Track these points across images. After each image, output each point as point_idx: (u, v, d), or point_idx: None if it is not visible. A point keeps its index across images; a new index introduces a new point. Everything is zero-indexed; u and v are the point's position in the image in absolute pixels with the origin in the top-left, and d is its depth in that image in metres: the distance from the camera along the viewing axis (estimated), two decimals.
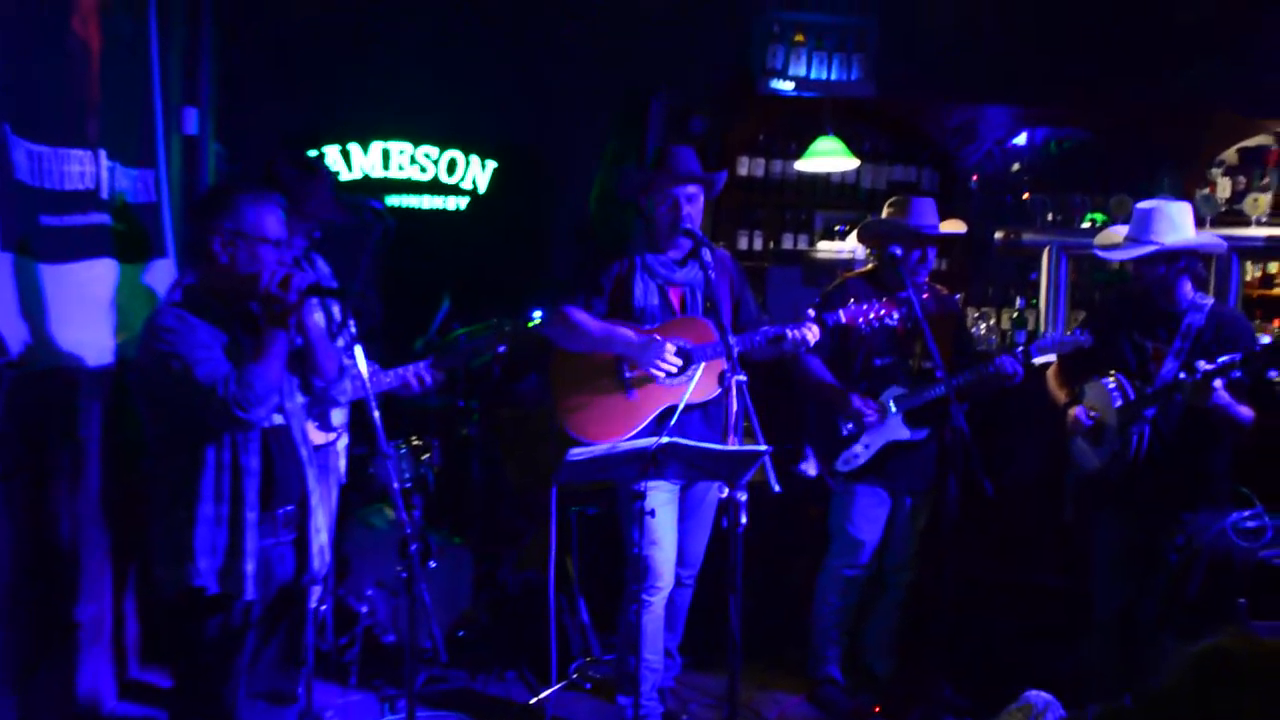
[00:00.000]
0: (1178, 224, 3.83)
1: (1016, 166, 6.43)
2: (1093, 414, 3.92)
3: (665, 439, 3.19)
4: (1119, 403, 3.79)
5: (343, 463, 4.29)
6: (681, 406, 3.59)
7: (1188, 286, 3.89)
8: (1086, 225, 5.79)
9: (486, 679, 4.54)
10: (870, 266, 4.52)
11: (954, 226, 4.34)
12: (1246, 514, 3.68)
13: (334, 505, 4.13)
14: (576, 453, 3.20)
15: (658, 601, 3.97)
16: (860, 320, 3.98)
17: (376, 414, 2.97)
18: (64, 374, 3.57)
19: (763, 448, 3.27)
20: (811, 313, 3.94)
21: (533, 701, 4.33)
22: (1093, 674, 3.97)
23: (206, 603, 2.85)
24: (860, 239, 4.53)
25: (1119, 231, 3.94)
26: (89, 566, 3.74)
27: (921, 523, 4.41)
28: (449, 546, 4.74)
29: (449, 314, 5.31)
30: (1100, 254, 3.94)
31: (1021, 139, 6.55)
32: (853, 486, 4.33)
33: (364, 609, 4.59)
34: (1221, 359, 3.55)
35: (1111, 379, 3.85)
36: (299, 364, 3.11)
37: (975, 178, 6.02)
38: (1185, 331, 3.82)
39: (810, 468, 4.46)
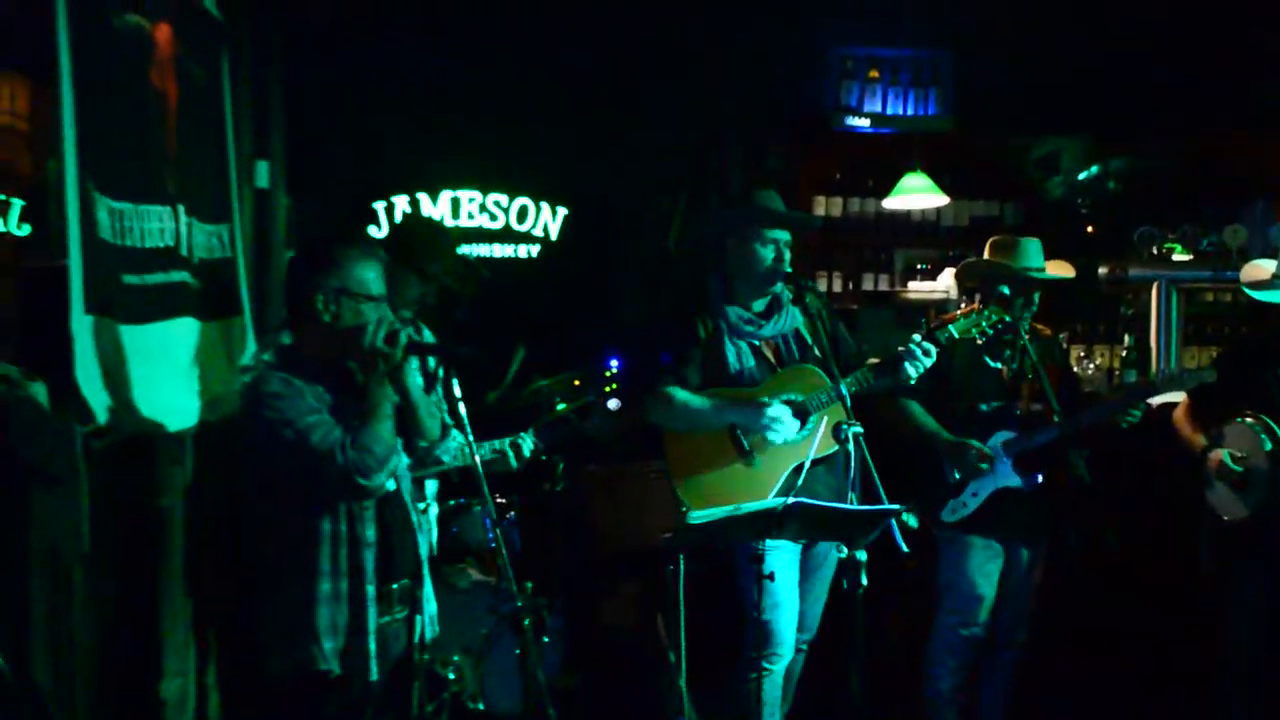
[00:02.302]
0: None
1: (1087, 199, 6.21)
2: (1239, 457, 3.67)
3: (790, 499, 2.98)
4: (1269, 446, 3.55)
5: (435, 532, 4.12)
6: (808, 465, 3.33)
7: None
8: (1186, 258, 5.56)
9: None
10: (973, 307, 4.30)
11: (1061, 269, 4.14)
12: None
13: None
14: (699, 515, 3.01)
15: (778, 670, 3.73)
16: (974, 329, 3.74)
17: (484, 480, 2.80)
18: (147, 440, 3.42)
19: (894, 506, 3.06)
20: (918, 336, 3.71)
21: None
22: None
23: (327, 685, 2.67)
24: (961, 279, 4.33)
25: (1266, 266, 3.72)
26: (173, 641, 3.57)
27: (1038, 578, 4.15)
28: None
29: (523, 364, 5.16)
30: (1256, 294, 3.68)
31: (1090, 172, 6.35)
32: (964, 537, 4.10)
33: (451, 675, 4.38)
34: None
35: (1254, 419, 3.61)
36: (401, 425, 2.95)
37: (1084, 210, 5.79)
38: None
39: (913, 519, 4.23)
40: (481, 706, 4.39)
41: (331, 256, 2.85)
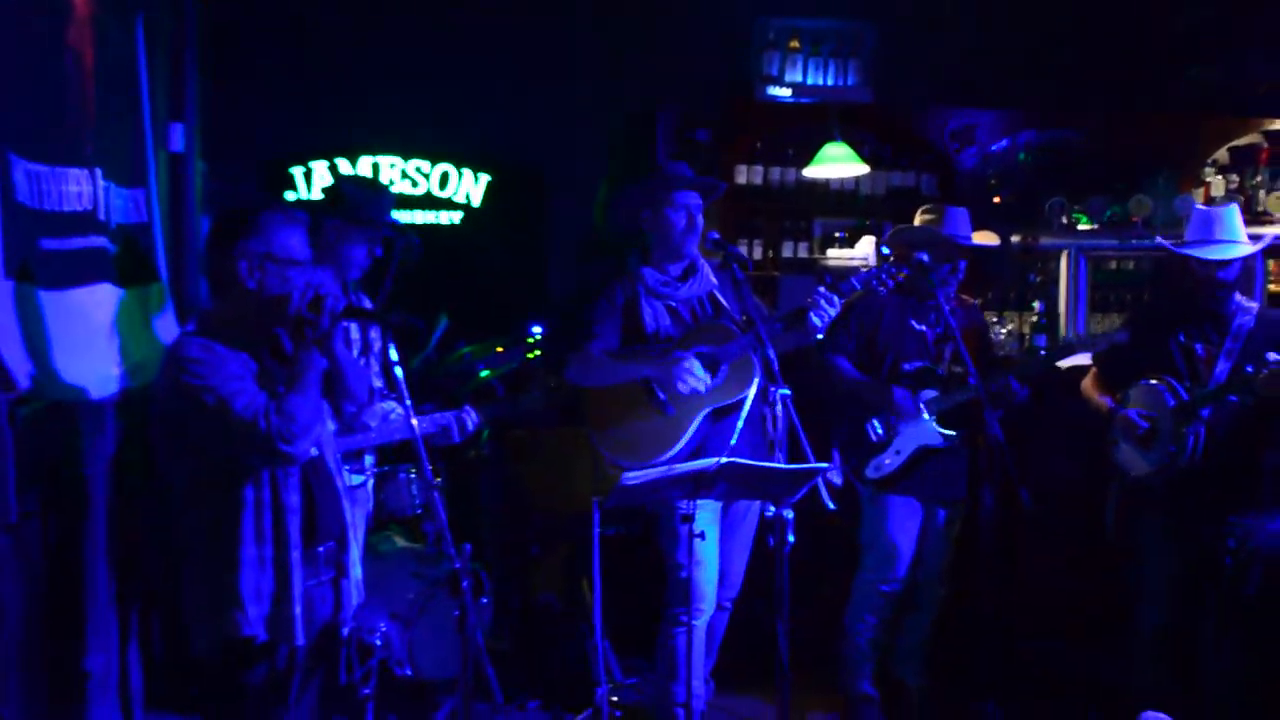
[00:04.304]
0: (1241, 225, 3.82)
1: (993, 171, 6.34)
2: (1146, 417, 3.84)
3: (724, 459, 3.05)
4: (1173, 404, 3.73)
5: (372, 503, 4.11)
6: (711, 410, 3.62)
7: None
8: (1091, 227, 5.74)
9: (507, 709, 4.36)
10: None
11: (987, 238, 4.27)
12: None
13: (362, 539, 3.95)
14: (632, 476, 3.06)
15: (700, 625, 3.84)
16: (875, 282, 3.86)
17: (424, 452, 2.81)
18: (68, 408, 3.35)
19: (821, 465, 3.15)
20: (822, 288, 3.83)
21: None
22: (1144, 685, 3.88)
23: (253, 651, 2.66)
24: (890, 245, 4.42)
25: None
26: (96, 614, 3.51)
27: (954, 534, 4.31)
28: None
29: (446, 331, 5.15)
30: (1203, 255, 3.83)
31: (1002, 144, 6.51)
32: (884, 496, 4.24)
33: (378, 642, 4.38)
34: None
35: (1157, 380, 3.79)
36: (329, 389, 2.93)
37: (993, 182, 5.94)
38: (1236, 333, 3.81)
39: (836, 476, 4.35)
40: (410, 672, 4.40)
41: (255, 221, 2.79)
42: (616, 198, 4.08)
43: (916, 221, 4.32)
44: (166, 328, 4.18)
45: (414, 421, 2.85)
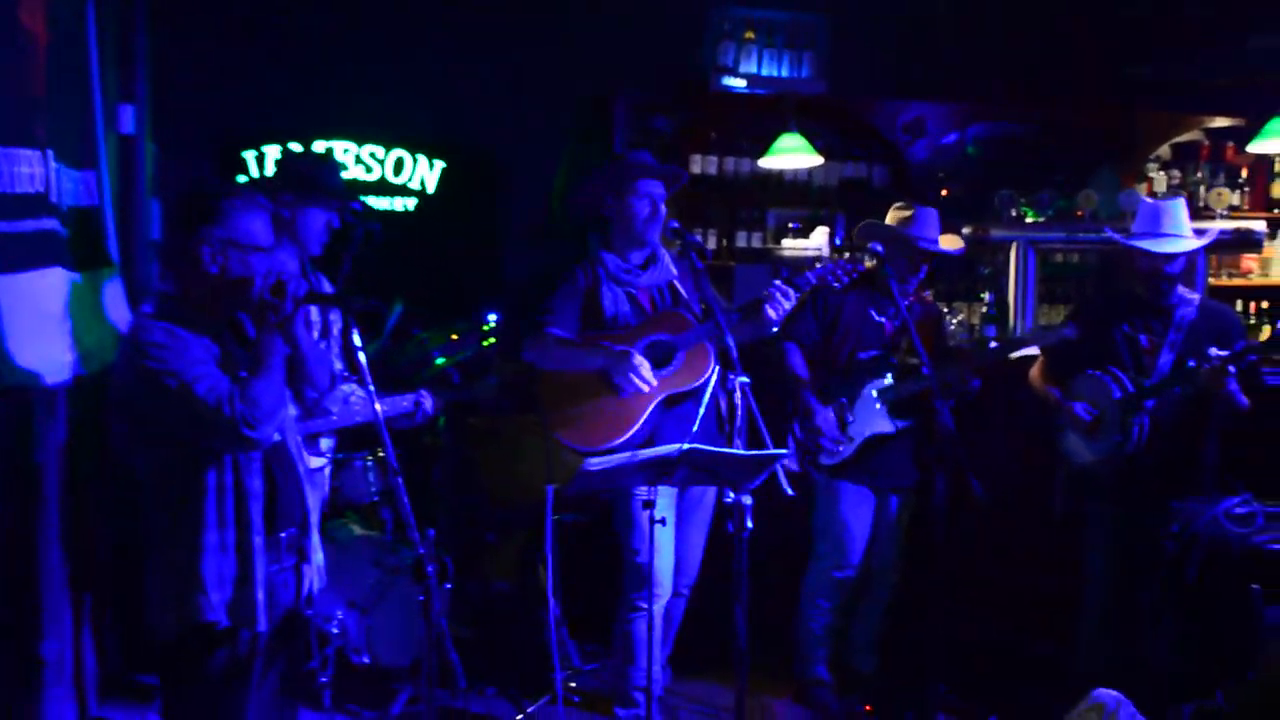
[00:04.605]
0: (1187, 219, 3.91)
1: (942, 163, 6.44)
2: (1092, 407, 3.94)
3: (686, 445, 3.08)
4: (1118, 395, 3.83)
5: (328, 487, 4.09)
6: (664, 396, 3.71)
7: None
8: (1038, 220, 5.85)
9: (467, 696, 4.37)
10: (869, 265, 4.44)
11: (951, 243, 4.34)
12: (1235, 501, 3.72)
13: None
14: (595, 463, 3.08)
15: (657, 610, 3.86)
16: (830, 277, 3.91)
17: (387, 435, 2.81)
18: (21, 393, 3.30)
19: (779, 451, 3.20)
20: (779, 281, 3.87)
21: (519, 718, 4.18)
22: (1093, 665, 3.98)
23: (215, 636, 2.65)
24: (859, 238, 4.45)
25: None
26: (50, 601, 3.47)
27: (906, 521, 4.38)
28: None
29: (401, 318, 5.13)
30: (1152, 249, 3.90)
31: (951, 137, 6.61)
32: (837, 483, 4.30)
33: (334, 629, 4.37)
34: (1239, 346, 3.66)
35: (1103, 371, 3.89)
36: (291, 374, 2.92)
37: (941, 175, 6.03)
38: (1179, 324, 3.90)
39: (792, 462, 4.40)
40: (368, 660, 4.39)
41: (218, 207, 2.77)
42: (579, 183, 4.10)
43: (889, 218, 4.37)
44: (118, 313, 4.13)
45: (377, 406, 2.84)
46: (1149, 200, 4.01)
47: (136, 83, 4.70)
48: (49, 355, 3.48)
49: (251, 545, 2.69)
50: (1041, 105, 6.37)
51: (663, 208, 3.98)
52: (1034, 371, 4.28)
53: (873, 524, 4.35)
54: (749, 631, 4.31)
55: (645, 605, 3.79)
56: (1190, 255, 4.00)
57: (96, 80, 4.26)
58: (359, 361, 2.82)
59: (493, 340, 5.56)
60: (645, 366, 3.80)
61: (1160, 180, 6.31)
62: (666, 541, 3.85)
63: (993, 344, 4.20)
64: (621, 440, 3.79)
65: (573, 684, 4.46)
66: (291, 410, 2.97)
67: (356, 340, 2.84)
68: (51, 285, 3.57)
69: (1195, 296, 4.01)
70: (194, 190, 2.84)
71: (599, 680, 4.54)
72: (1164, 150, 6.49)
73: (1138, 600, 3.87)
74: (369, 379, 2.80)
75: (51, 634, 3.48)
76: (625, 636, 3.95)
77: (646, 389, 3.79)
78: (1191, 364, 3.71)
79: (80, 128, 4.09)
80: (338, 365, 3.65)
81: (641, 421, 3.83)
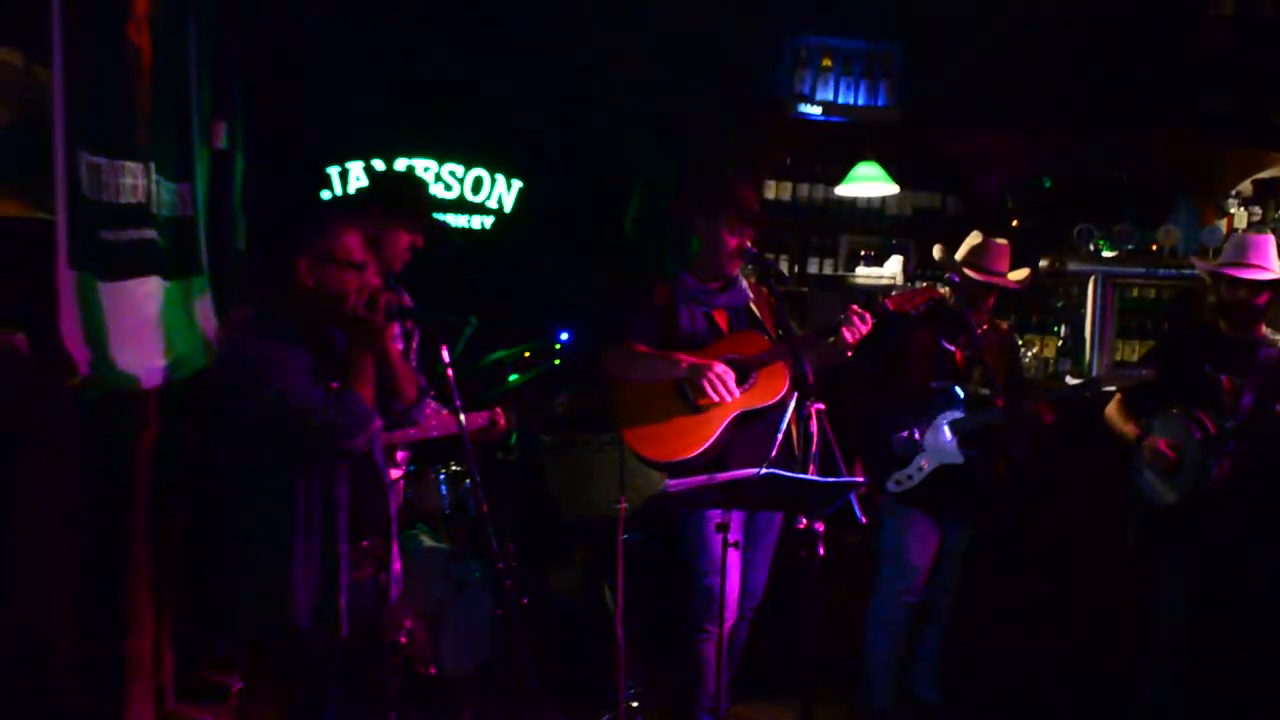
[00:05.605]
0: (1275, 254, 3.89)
1: (1016, 194, 6.40)
2: (1172, 447, 3.90)
3: (765, 470, 3.10)
4: (1198, 436, 3.79)
5: (402, 496, 4.18)
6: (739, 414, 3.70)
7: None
8: (1112, 254, 5.80)
9: (531, 709, 4.40)
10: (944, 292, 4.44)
11: (1018, 275, 4.34)
12: None
13: None
14: (675, 484, 3.11)
15: (723, 635, 3.87)
16: (908, 306, 3.93)
17: (470, 449, 2.87)
18: (122, 397, 3.41)
19: (858, 479, 3.21)
20: (856, 306, 3.90)
21: None
22: (1160, 702, 3.93)
23: (298, 639, 2.72)
24: (945, 265, 4.46)
25: None
26: (136, 599, 3.58)
27: (964, 548, 4.37)
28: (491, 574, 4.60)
29: (475, 336, 5.20)
30: (1238, 274, 3.89)
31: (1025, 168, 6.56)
32: (905, 510, 4.29)
33: (403, 640, 4.43)
34: None
35: (1183, 411, 3.85)
36: (379, 387, 3.00)
37: (1012, 206, 6.00)
38: (1261, 365, 3.85)
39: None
40: (434, 671, 4.45)
41: (318, 223, 2.89)
42: (673, 199, 4.11)
43: (965, 247, 4.38)
44: (207, 320, 4.26)
45: (462, 419, 2.91)
46: (1238, 233, 3.97)
47: (230, 100, 4.86)
48: (145, 360, 3.59)
49: (337, 553, 2.77)
50: (1119, 138, 6.31)
51: (750, 246, 3.97)
52: (1110, 408, 4.24)
53: (936, 552, 4.33)
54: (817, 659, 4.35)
55: (713, 628, 3.81)
56: (1273, 295, 3.95)
57: (195, 95, 4.42)
58: (448, 377, 2.89)
59: (561, 360, 5.60)
60: (730, 376, 3.79)
61: (1240, 216, 6.21)
62: (734, 565, 3.85)
63: (1069, 379, 4.16)
64: (696, 454, 3.78)
65: (634, 703, 4.47)
66: (378, 423, 3.05)
67: (445, 356, 2.91)
68: (149, 293, 3.69)
69: (1278, 337, 3.96)
70: (296, 206, 2.94)
71: (661, 700, 4.55)
72: (1245, 186, 6.40)
73: (1208, 640, 3.81)
74: (456, 394, 2.87)
75: (134, 632, 3.58)
76: (692, 658, 3.95)
77: (730, 399, 3.79)
78: (1278, 408, 3.66)
79: (178, 141, 4.23)
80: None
81: (716, 436, 3.82)
